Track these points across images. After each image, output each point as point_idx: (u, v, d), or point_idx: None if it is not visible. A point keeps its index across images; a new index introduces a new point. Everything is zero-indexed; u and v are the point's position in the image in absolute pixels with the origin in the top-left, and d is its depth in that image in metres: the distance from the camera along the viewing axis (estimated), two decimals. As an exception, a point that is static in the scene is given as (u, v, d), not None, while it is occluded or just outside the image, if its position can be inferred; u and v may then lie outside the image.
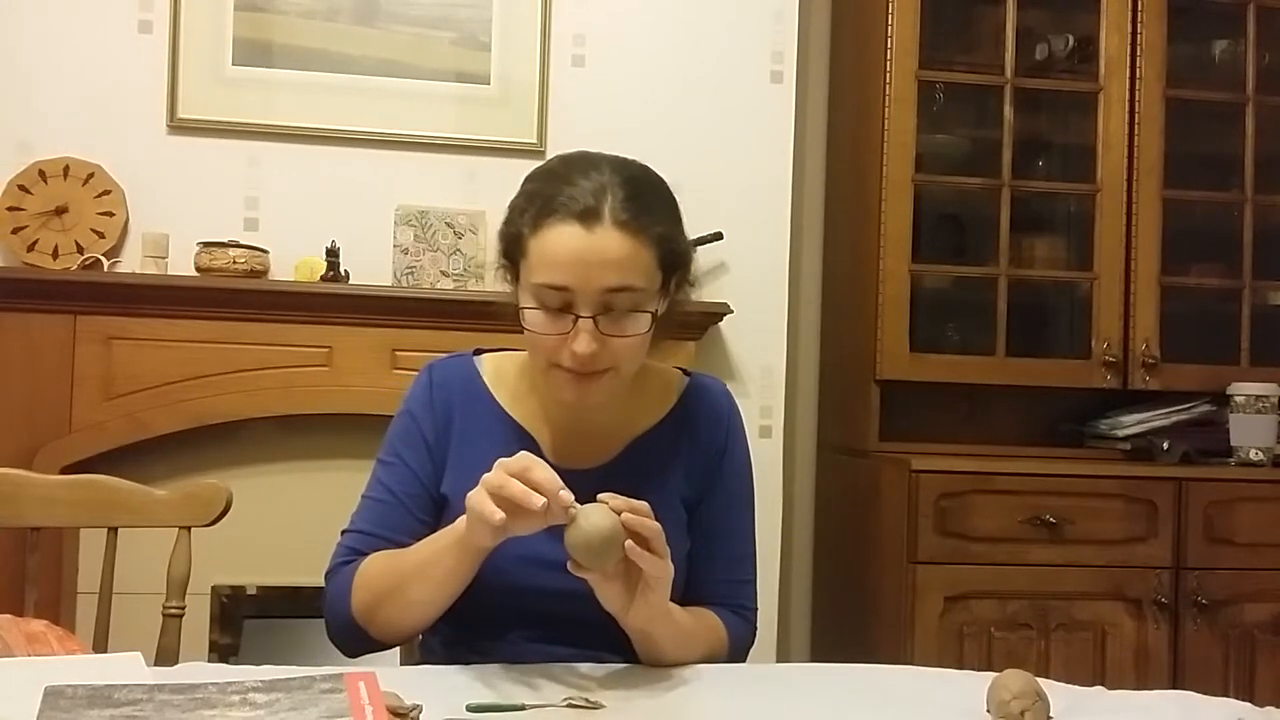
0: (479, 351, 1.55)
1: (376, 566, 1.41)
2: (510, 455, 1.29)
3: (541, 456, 1.37)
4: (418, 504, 1.46)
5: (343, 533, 1.48)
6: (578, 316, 1.33)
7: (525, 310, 1.36)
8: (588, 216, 1.32)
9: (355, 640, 1.43)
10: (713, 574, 1.51)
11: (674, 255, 1.40)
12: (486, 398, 1.50)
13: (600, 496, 1.25)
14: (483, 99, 2.84)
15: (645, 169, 1.43)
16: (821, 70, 3.25)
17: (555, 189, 1.35)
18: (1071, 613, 2.59)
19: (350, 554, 1.45)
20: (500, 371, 1.52)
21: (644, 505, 1.26)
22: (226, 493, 1.71)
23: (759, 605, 1.61)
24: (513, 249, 1.39)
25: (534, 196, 1.37)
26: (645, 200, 1.37)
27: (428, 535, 1.40)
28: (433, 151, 2.82)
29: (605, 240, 1.32)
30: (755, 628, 1.56)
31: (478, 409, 1.49)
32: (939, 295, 3.04)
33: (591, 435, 1.48)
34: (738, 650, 1.50)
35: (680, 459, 1.50)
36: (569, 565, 1.24)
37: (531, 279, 1.35)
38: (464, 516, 1.29)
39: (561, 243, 1.32)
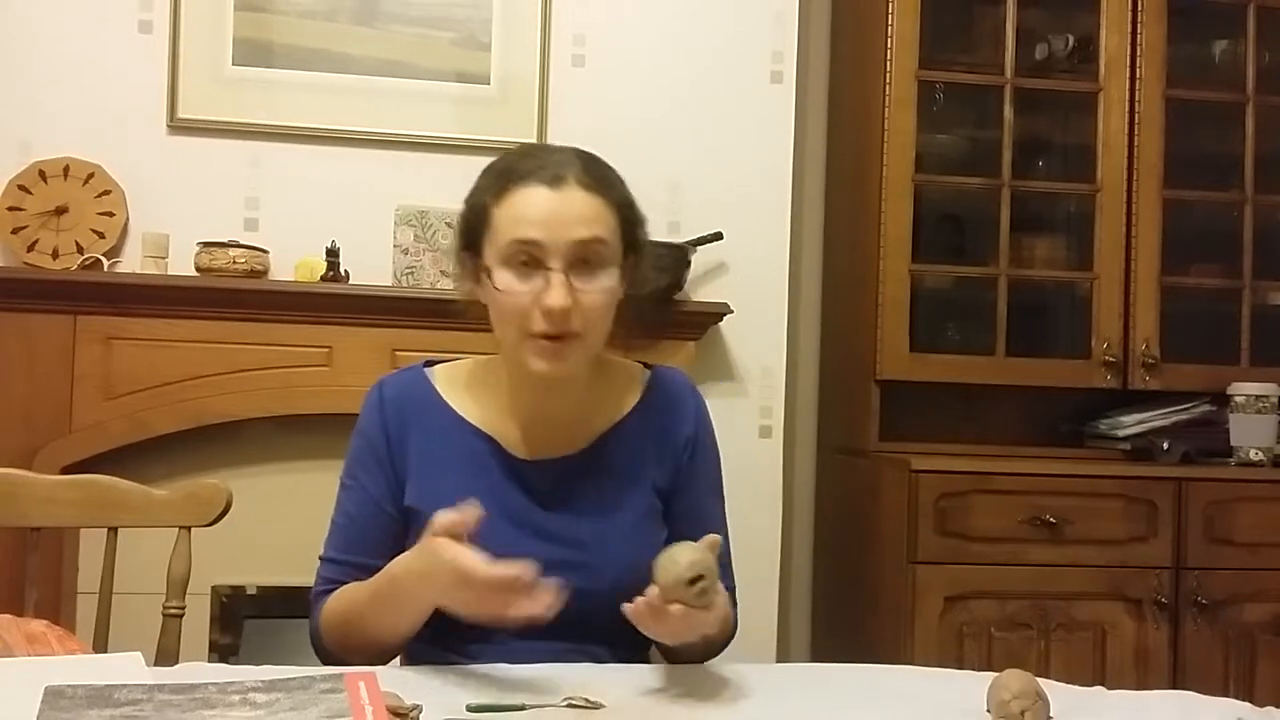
0: (429, 364, 1.56)
1: (340, 605, 1.43)
2: (472, 459, 1.41)
3: (504, 456, 1.46)
4: (380, 524, 1.47)
5: (319, 559, 1.51)
6: (549, 270, 1.36)
7: (496, 273, 1.38)
8: (554, 180, 1.38)
9: (340, 665, 1.42)
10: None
11: (632, 228, 1.45)
12: (442, 406, 1.50)
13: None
14: (483, 99, 2.84)
15: (596, 154, 1.47)
16: (821, 70, 3.25)
17: (517, 163, 1.41)
18: (1071, 613, 2.59)
19: (326, 584, 1.48)
20: (453, 379, 1.53)
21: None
22: (226, 493, 1.71)
23: (761, 604, 1.62)
24: (476, 225, 1.42)
25: (497, 173, 1.43)
26: (604, 171, 1.44)
27: (396, 551, 1.40)
28: (433, 151, 2.82)
29: (572, 196, 1.38)
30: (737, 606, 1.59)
31: (434, 418, 1.49)
32: (939, 295, 3.03)
33: (558, 427, 1.48)
34: (732, 634, 1.53)
35: (650, 449, 1.52)
36: (648, 597, 1.24)
37: (500, 241, 1.38)
38: (421, 546, 1.30)
39: (530, 201, 1.37)
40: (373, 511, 1.47)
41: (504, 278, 1.38)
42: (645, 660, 1.51)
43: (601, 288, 1.39)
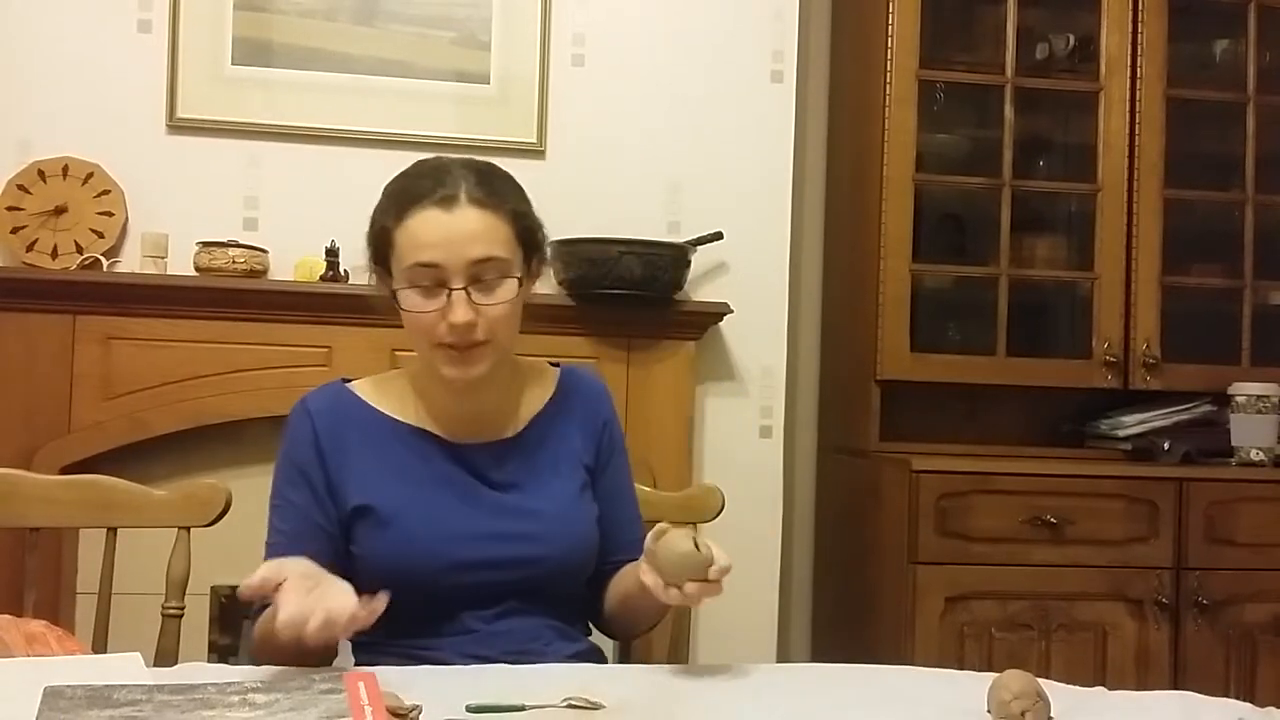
0: (345, 381, 1.62)
1: (260, 630, 1.44)
2: (413, 452, 1.52)
3: (442, 444, 1.55)
4: (315, 538, 1.50)
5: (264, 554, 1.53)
6: (450, 290, 1.44)
7: (402, 294, 1.46)
8: (446, 201, 1.46)
9: None
10: (632, 532, 1.64)
11: (529, 233, 1.53)
12: (371, 411, 1.57)
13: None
14: (482, 98, 2.83)
15: (492, 163, 1.56)
16: (821, 70, 3.25)
17: (412, 185, 1.49)
18: (1072, 613, 2.58)
19: (264, 603, 1.46)
20: (376, 388, 1.60)
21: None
22: (226, 493, 1.71)
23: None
24: (381, 245, 1.50)
25: (394, 196, 1.50)
26: (495, 183, 1.51)
27: (334, 562, 1.45)
28: (432, 151, 2.79)
29: (464, 217, 1.45)
30: None
31: (366, 423, 1.56)
32: (939, 295, 3.03)
33: (485, 419, 1.57)
34: None
35: (573, 431, 1.62)
36: (649, 580, 1.35)
37: (403, 264, 1.46)
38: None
39: (426, 225, 1.45)
40: (307, 526, 1.51)
41: (410, 298, 1.46)
42: (586, 628, 1.64)
43: (501, 299, 1.47)
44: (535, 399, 1.62)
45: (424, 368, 1.55)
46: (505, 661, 1.41)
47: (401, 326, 1.53)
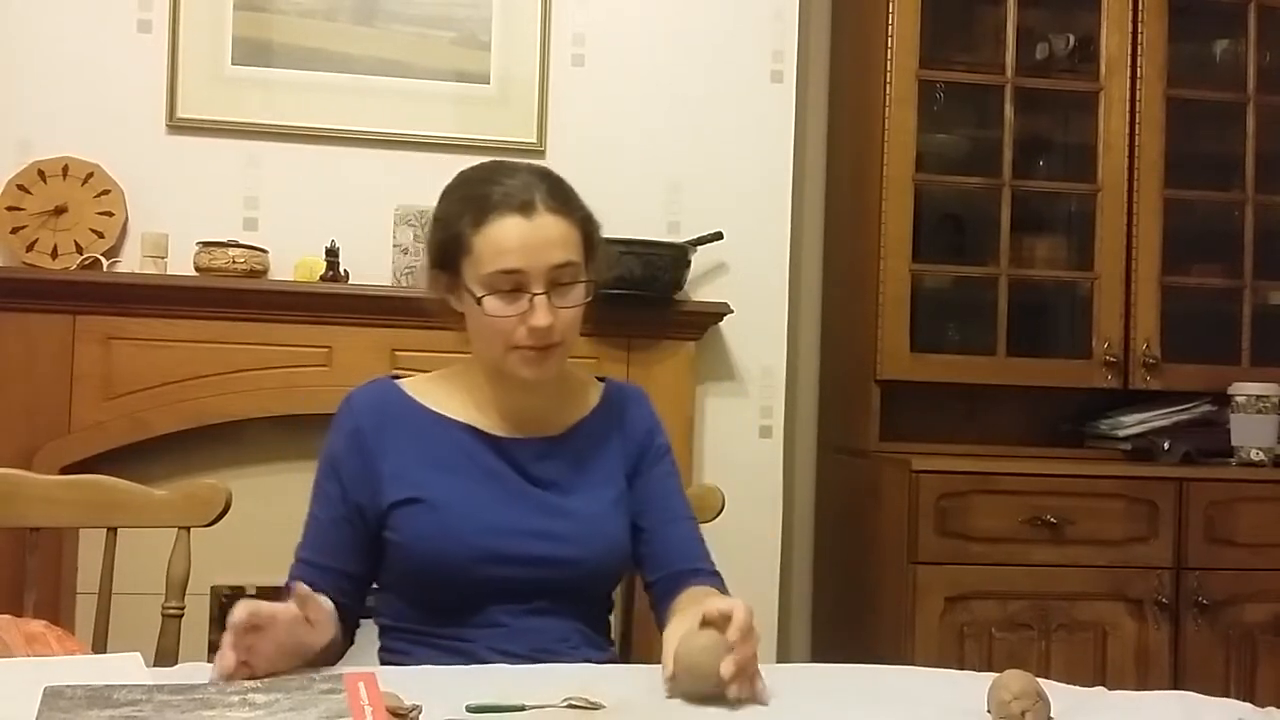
0: (395, 377, 1.66)
1: None
2: (457, 446, 1.55)
3: (487, 438, 1.58)
4: (344, 531, 1.56)
5: (296, 551, 1.59)
6: (533, 294, 1.48)
7: (482, 299, 1.49)
8: (526, 207, 1.49)
9: None
10: (681, 537, 1.65)
11: (594, 237, 1.58)
12: (416, 407, 1.60)
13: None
14: (482, 98, 2.83)
15: (549, 169, 1.59)
16: (821, 70, 3.25)
17: (486, 190, 1.52)
18: (1072, 613, 2.58)
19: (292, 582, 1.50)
20: (423, 386, 1.63)
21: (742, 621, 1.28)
22: (226, 493, 1.71)
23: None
24: (452, 251, 1.53)
25: (469, 202, 1.52)
26: (565, 190, 1.55)
27: (364, 555, 1.55)
28: (432, 151, 2.81)
29: (544, 223, 1.50)
30: None
31: (411, 418, 1.59)
32: (939, 295, 3.03)
33: (533, 416, 1.61)
34: None
35: (615, 440, 1.65)
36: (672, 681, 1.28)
37: (482, 270, 1.49)
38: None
39: (508, 232, 1.49)
40: (339, 517, 1.56)
41: (491, 303, 1.49)
42: (609, 637, 1.66)
43: (576, 301, 1.53)
44: (581, 404, 1.66)
45: (487, 367, 1.58)
46: (531, 660, 1.44)
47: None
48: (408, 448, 1.56)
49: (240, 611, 1.24)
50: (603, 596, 1.65)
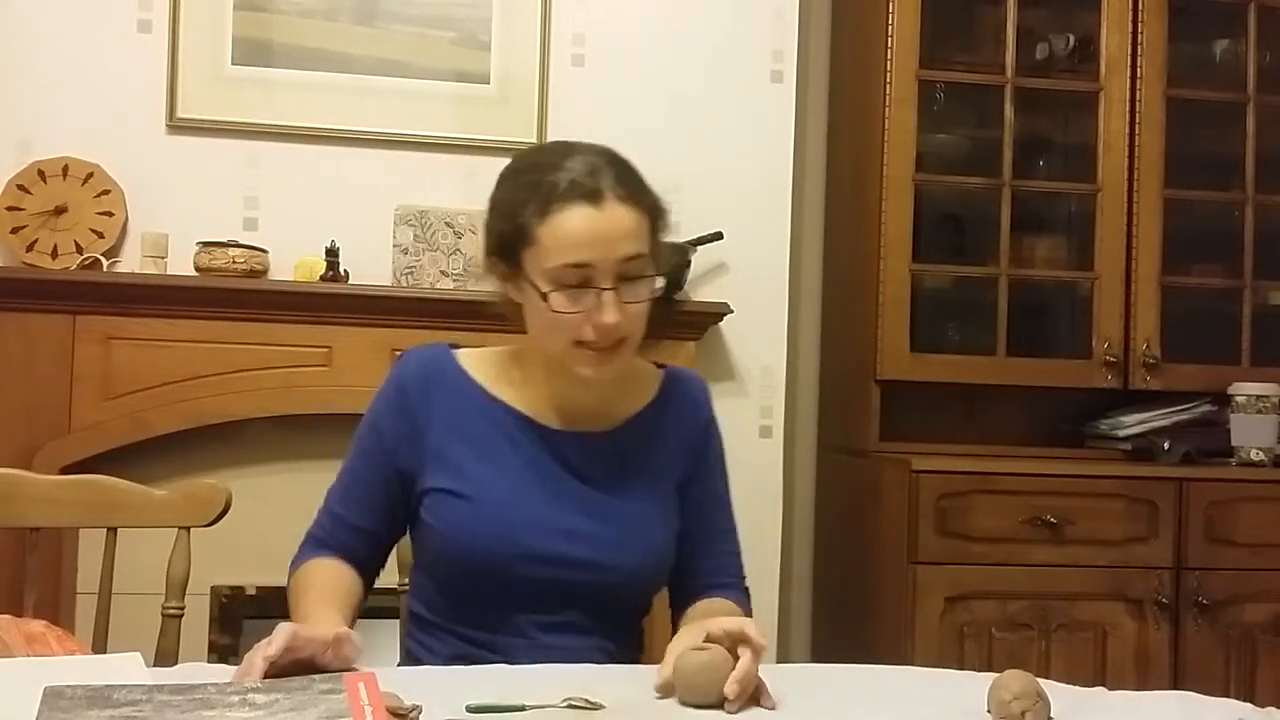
0: (454, 346, 1.58)
1: (295, 584, 1.51)
2: (504, 432, 1.49)
3: (536, 428, 1.51)
4: (373, 492, 1.53)
5: (326, 497, 1.57)
6: (600, 289, 1.40)
7: (548, 295, 1.40)
8: (594, 196, 1.40)
9: None
10: (719, 552, 1.60)
11: (657, 226, 1.49)
12: (469, 384, 1.54)
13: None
14: (482, 98, 2.83)
15: (614, 150, 1.49)
16: (821, 70, 3.25)
17: (550, 177, 1.42)
18: (1072, 613, 2.58)
19: (318, 529, 1.56)
20: (481, 361, 1.56)
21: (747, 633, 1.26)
22: (226, 493, 1.71)
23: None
24: (515, 242, 1.43)
25: (533, 190, 1.42)
26: (632, 176, 1.47)
27: (389, 519, 1.53)
28: (432, 151, 2.81)
29: (614, 214, 1.41)
30: None
31: (461, 395, 1.53)
32: (939, 295, 3.03)
33: (587, 410, 1.53)
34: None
35: (669, 438, 1.58)
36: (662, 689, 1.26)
37: (546, 264, 1.40)
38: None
39: (576, 223, 1.39)
40: (374, 476, 1.53)
41: (558, 300, 1.40)
42: (639, 650, 1.59)
43: (643, 296, 1.44)
44: (637, 398, 1.58)
45: (545, 357, 1.50)
46: None
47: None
48: (452, 425, 1.50)
49: (280, 640, 1.18)
50: (638, 607, 1.58)
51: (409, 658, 1.58)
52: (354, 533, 1.53)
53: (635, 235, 1.42)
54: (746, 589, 1.61)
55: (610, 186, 1.41)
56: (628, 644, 1.56)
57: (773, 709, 1.23)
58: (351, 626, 1.42)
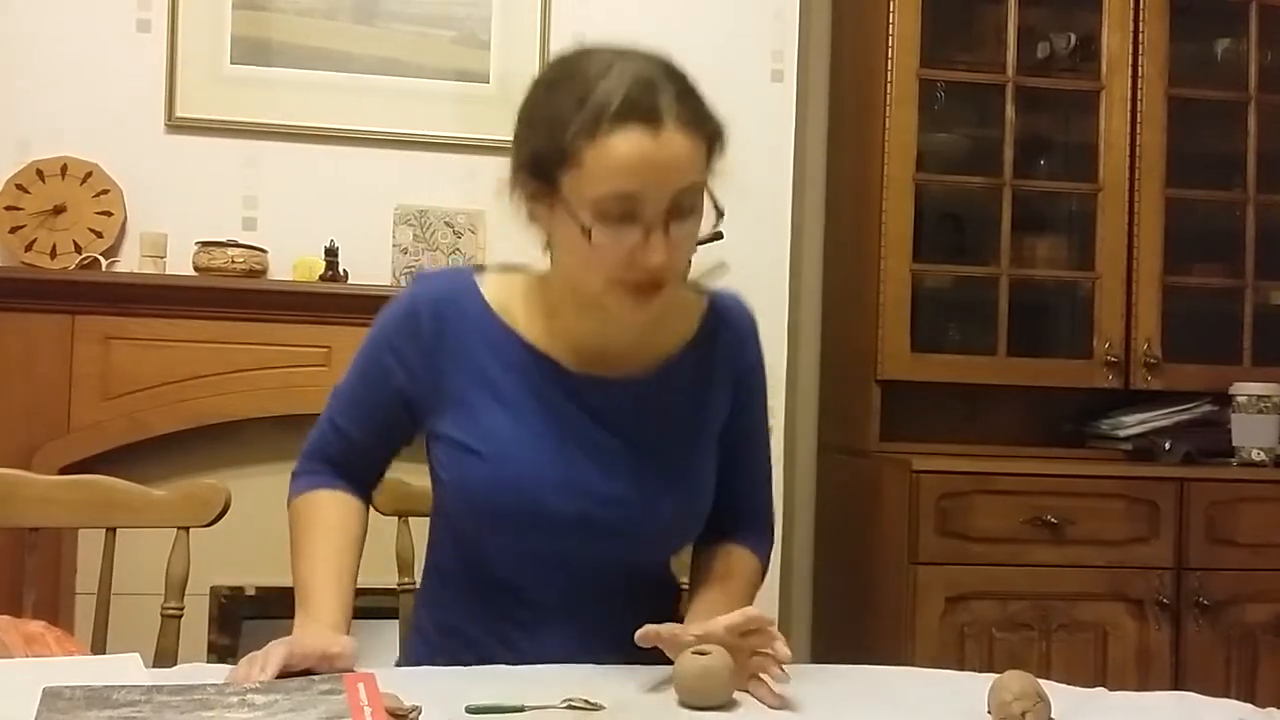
0: (478, 269, 1.45)
1: (296, 519, 1.49)
2: (522, 373, 1.35)
3: (558, 371, 1.37)
4: (382, 413, 1.44)
5: (328, 403, 1.49)
6: (648, 224, 1.25)
7: (590, 229, 1.24)
8: (651, 118, 1.24)
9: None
10: (748, 489, 1.51)
11: (714, 149, 1.36)
12: (488, 316, 1.39)
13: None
14: (482, 98, 2.83)
15: (671, 63, 1.33)
16: (822, 70, 3.24)
17: (599, 90, 1.24)
18: (1073, 613, 2.58)
19: (318, 458, 1.50)
20: (503, 290, 1.41)
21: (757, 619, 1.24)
22: (225, 493, 1.71)
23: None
24: (553, 161, 1.27)
25: (578, 102, 1.25)
26: (693, 93, 1.31)
27: (399, 436, 1.45)
28: (432, 150, 2.81)
29: (671, 142, 1.25)
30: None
31: (478, 327, 1.38)
32: (940, 295, 3.03)
33: (617, 353, 1.39)
34: (766, 569, 1.53)
35: (711, 381, 1.44)
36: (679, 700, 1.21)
37: (590, 191, 1.24)
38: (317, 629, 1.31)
39: (629, 149, 1.23)
40: (381, 400, 1.42)
41: (599, 234, 1.24)
42: (673, 585, 1.53)
43: (694, 232, 1.31)
44: (676, 334, 1.43)
45: (578, 293, 1.35)
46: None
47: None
48: (467, 364, 1.36)
49: (274, 666, 1.17)
50: (669, 560, 1.49)
51: (424, 614, 1.52)
52: (356, 447, 1.46)
53: (692, 164, 1.28)
54: (771, 526, 1.54)
55: (669, 108, 1.25)
56: (659, 594, 1.48)
57: (788, 658, 1.22)
58: (354, 575, 1.41)
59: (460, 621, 1.44)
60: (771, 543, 1.55)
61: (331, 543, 1.43)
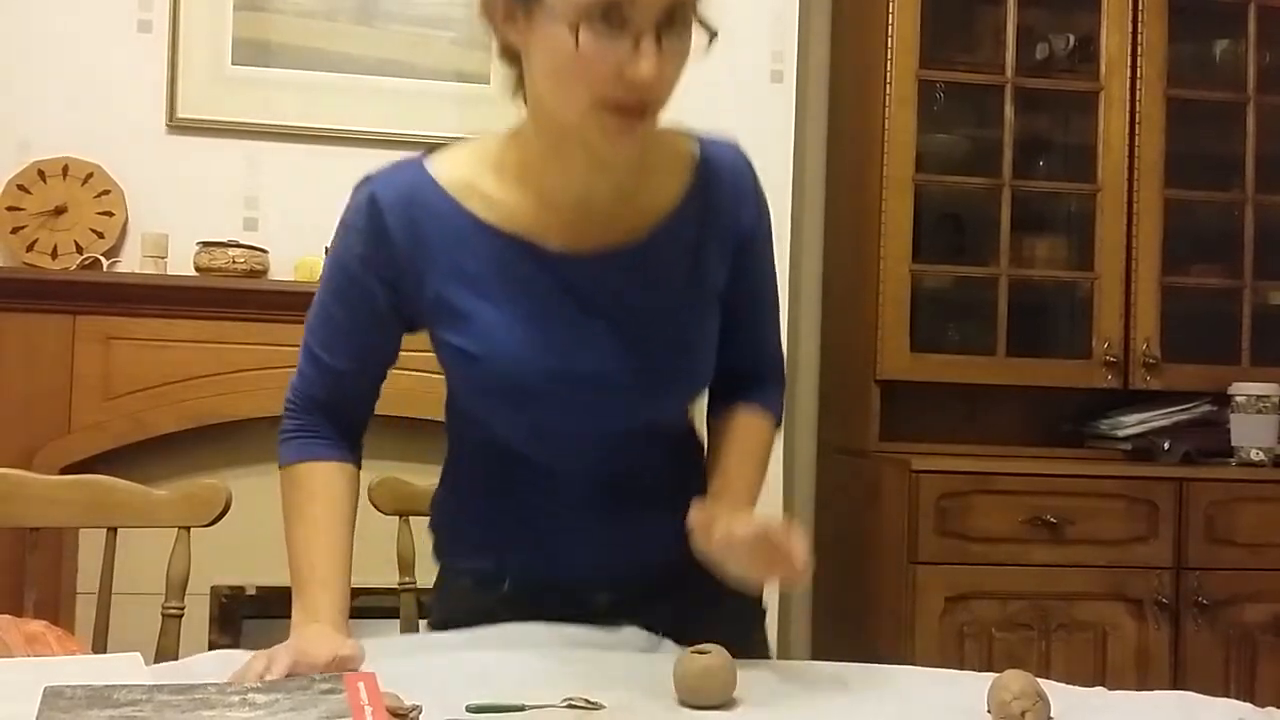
0: (429, 153, 1.35)
1: (288, 501, 1.46)
2: (499, 267, 1.26)
3: (537, 253, 1.28)
4: (367, 334, 1.36)
5: (305, 335, 1.41)
6: (639, 31, 1.14)
7: (576, 28, 1.13)
8: None
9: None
10: (755, 340, 1.45)
11: None
12: (452, 208, 1.29)
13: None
14: (483, 98, 2.83)
15: None
16: (821, 70, 3.25)
17: None
18: (1072, 613, 2.58)
19: (303, 408, 1.45)
20: (460, 172, 1.32)
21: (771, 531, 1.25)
22: (226, 493, 1.71)
23: None
24: None
25: None
26: None
27: (389, 350, 1.37)
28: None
29: None
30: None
31: (449, 226, 1.29)
32: (939, 295, 3.03)
33: (600, 215, 1.29)
34: (778, 420, 1.49)
35: (709, 241, 1.34)
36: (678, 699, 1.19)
37: None
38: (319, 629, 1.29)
39: None
40: (362, 322, 1.35)
41: (587, 39, 1.13)
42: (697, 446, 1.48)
43: (684, 52, 1.19)
44: (666, 191, 1.32)
45: (550, 139, 1.25)
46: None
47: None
48: (442, 262, 1.28)
49: (282, 668, 1.17)
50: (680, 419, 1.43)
51: (443, 522, 1.49)
52: (345, 380, 1.38)
53: None
54: (781, 371, 1.49)
55: None
56: (680, 451, 1.45)
57: (804, 559, 1.25)
58: (350, 557, 1.40)
59: (486, 529, 1.41)
60: (783, 386, 1.50)
61: (332, 534, 1.41)
